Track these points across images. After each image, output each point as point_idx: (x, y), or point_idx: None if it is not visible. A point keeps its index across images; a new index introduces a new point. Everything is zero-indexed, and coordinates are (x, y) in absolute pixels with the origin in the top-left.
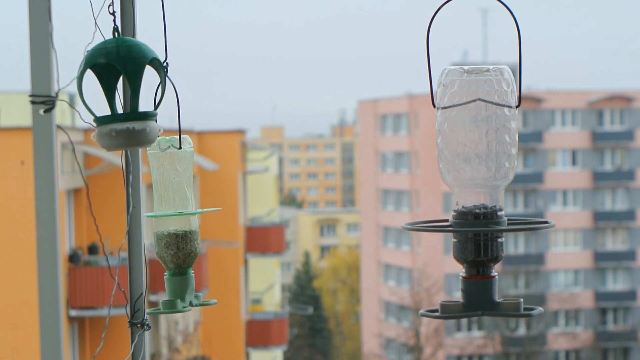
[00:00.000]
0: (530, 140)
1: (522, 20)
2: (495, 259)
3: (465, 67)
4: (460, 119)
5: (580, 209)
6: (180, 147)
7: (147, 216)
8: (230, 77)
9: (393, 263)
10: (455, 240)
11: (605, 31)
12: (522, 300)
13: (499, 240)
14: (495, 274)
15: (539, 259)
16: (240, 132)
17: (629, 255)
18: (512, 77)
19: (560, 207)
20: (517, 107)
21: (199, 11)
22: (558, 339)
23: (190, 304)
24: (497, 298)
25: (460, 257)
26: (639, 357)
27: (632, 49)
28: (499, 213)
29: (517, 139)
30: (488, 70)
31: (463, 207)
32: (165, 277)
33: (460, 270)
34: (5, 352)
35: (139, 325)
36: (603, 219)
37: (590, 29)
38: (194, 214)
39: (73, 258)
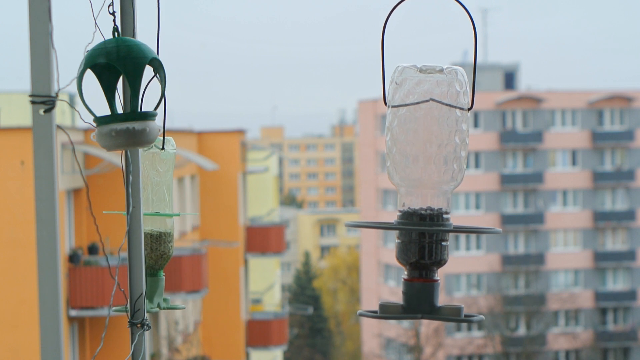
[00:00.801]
0: (530, 140)
1: (523, 20)
2: (439, 263)
3: (419, 66)
4: (411, 118)
5: (580, 209)
6: (163, 148)
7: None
8: (230, 77)
9: (393, 263)
10: (399, 241)
11: (605, 31)
12: (462, 306)
13: (443, 243)
14: (438, 278)
15: (539, 259)
16: (240, 132)
17: (629, 255)
18: (466, 79)
19: (560, 207)
20: (469, 109)
21: (199, 11)
22: (558, 339)
23: (159, 306)
24: (439, 302)
25: (403, 258)
26: (639, 357)
27: (632, 49)
28: (445, 216)
29: (467, 141)
30: (442, 70)
31: (409, 208)
32: None
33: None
34: (5, 352)
35: (139, 325)
36: (603, 219)
37: (590, 29)
38: (170, 215)
39: (73, 258)
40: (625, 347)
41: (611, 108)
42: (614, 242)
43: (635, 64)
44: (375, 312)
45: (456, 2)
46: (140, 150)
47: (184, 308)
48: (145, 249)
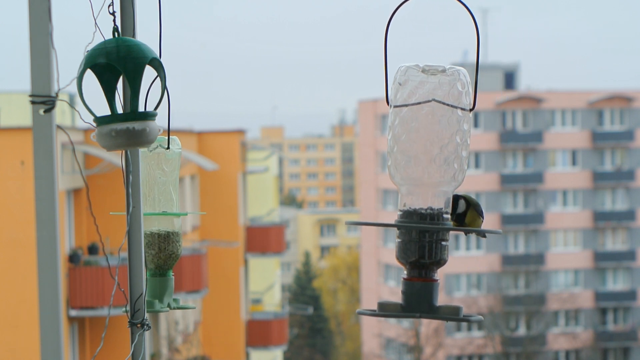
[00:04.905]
0: (530, 140)
1: (523, 20)
2: (439, 263)
3: (421, 66)
4: (413, 118)
5: (580, 209)
6: (168, 147)
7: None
8: (230, 77)
9: (393, 263)
10: (399, 240)
11: (605, 31)
12: (461, 306)
13: (443, 243)
14: (438, 278)
15: (539, 259)
16: (240, 132)
17: (629, 255)
18: (468, 79)
19: (560, 207)
20: (471, 110)
21: (199, 11)
22: (558, 339)
23: (169, 306)
24: (438, 302)
25: (403, 257)
26: (639, 357)
27: (632, 49)
28: (445, 215)
29: (468, 141)
30: (444, 70)
31: (410, 207)
32: None
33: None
34: (5, 352)
35: (139, 325)
36: (603, 219)
37: (590, 29)
38: (177, 215)
39: (73, 258)
40: (625, 347)
41: (611, 108)
42: (614, 242)
43: (635, 64)
44: (374, 310)
45: (458, 2)
46: (146, 150)
47: (194, 308)
48: (153, 249)
